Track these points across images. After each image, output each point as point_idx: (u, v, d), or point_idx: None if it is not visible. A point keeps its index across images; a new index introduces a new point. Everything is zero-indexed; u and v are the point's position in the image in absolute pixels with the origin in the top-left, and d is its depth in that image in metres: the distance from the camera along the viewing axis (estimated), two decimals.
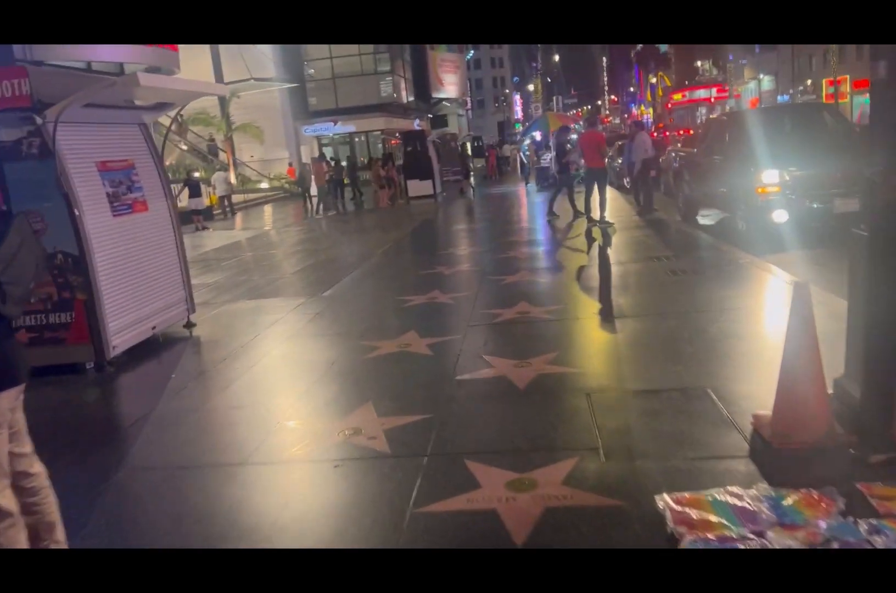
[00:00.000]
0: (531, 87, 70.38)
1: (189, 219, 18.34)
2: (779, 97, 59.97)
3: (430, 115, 44.08)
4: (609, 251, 9.25)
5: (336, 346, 5.51)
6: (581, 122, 35.57)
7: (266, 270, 9.98)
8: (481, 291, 7.06)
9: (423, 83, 40.78)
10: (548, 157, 22.53)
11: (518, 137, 30.16)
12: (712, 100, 77.47)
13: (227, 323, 6.78)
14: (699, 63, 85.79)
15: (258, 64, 31.22)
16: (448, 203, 20.26)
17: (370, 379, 4.58)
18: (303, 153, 33.87)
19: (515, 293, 6.79)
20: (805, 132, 9.17)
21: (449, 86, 43.21)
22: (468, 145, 34.15)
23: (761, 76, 63.60)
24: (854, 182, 8.07)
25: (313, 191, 22.24)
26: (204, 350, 5.97)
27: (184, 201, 19.27)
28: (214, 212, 22.46)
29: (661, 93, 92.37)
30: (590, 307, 6.00)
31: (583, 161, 22.69)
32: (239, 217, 22.20)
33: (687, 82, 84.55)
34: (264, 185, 30.61)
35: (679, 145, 16.12)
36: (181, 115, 30.42)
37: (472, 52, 71.96)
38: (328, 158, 26.52)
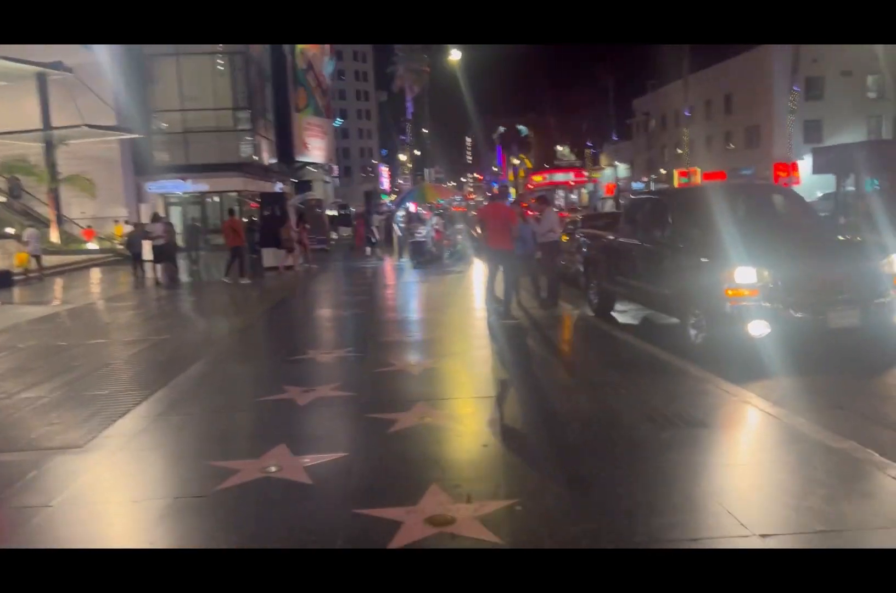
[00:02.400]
0: (403, 157, 69.95)
1: None
2: (633, 184, 63.04)
3: (294, 180, 41.48)
4: (532, 363, 6.86)
5: None
6: (456, 197, 34.31)
7: (22, 384, 6.61)
8: (358, 451, 4.25)
9: (287, 145, 38.32)
10: (423, 231, 20.46)
11: (391, 206, 28.09)
12: (571, 183, 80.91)
13: None
14: (559, 147, 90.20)
15: (96, 111, 27.46)
16: (311, 277, 17.41)
17: None
18: (142, 211, 29.92)
19: (417, 459, 4.05)
20: (770, 219, 7.36)
21: (315, 150, 41.01)
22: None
23: (617, 163, 66.83)
24: (852, 287, 6.19)
25: (147, 255, 18.70)
26: None
27: None
28: (17, 278, 18.26)
29: (522, 174, 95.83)
30: (560, 504, 3.37)
31: (460, 236, 20.97)
32: (52, 284, 18.14)
33: (546, 165, 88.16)
34: (93, 246, 26.30)
35: (573, 226, 14.40)
36: None
37: (340, 120, 70.94)
38: (167, 219, 22.88)
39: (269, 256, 19.47)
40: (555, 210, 10.82)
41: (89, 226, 27.45)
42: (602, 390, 5.48)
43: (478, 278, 15.11)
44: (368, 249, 22.20)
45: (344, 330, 9.53)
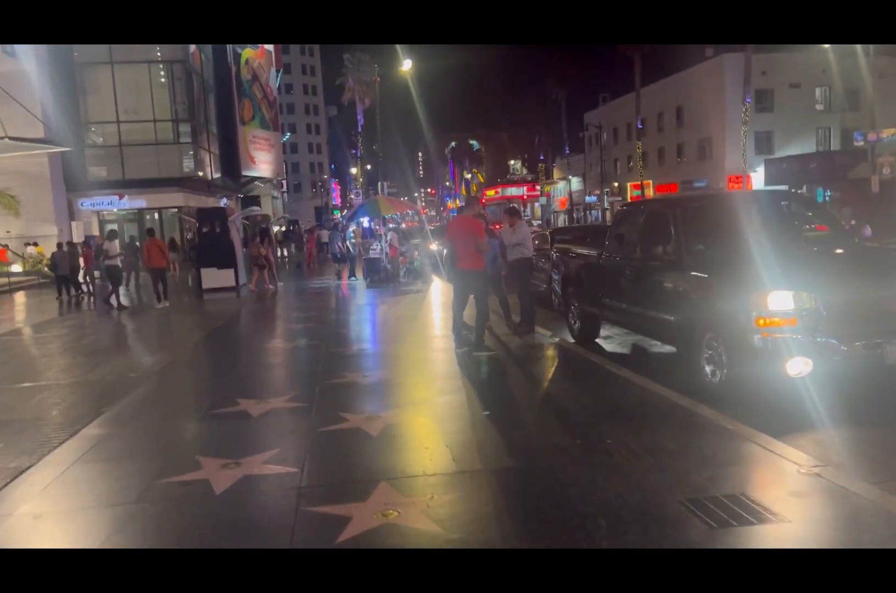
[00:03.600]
0: (354, 171, 68.50)
1: None
2: (586, 197, 62.74)
3: (240, 195, 39.72)
4: (520, 415, 5.52)
5: None
6: (409, 212, 32.90)
7: None
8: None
9: (232, 159, 36.59)
10: (377, 247, 19.08)
11: (343, 222, 26.66)
12: (524, 197, 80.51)
13: None
14: (511, 162, 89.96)
15: (22, 122, 25.37)
16: (253, 299, 15.84)
17: None
18: (74, 230, 27.83)
19: None
20: (796, 231, 6.21)
21: (262, 164, 39.31)
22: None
23: (570, 177, 66.52)
24: None
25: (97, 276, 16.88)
26: None
27: None
28: None
29: (475, 188, 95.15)
30: None
31: (414, 252, 19.64)
32: None
33: (499, 179, 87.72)
34: (16, 269, 24.13)
35: (539, 241, 13.25)
36: None
37: (289, 134, 69.17)
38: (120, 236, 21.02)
39: (209, 277, 17.89)
40: (525, 223, 9.56)
41: (5, 246, 25.26)
42: (620, 457, 4.18)
43: (437, 298, 13.79)
44: (338, 266, 20.91)
45: (286, 367, 8.07)
